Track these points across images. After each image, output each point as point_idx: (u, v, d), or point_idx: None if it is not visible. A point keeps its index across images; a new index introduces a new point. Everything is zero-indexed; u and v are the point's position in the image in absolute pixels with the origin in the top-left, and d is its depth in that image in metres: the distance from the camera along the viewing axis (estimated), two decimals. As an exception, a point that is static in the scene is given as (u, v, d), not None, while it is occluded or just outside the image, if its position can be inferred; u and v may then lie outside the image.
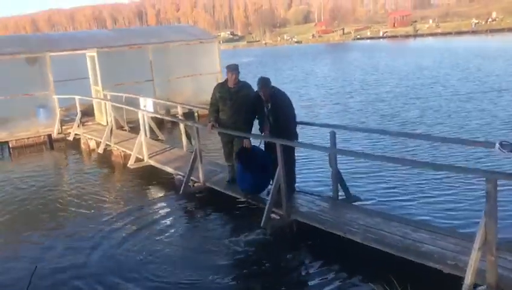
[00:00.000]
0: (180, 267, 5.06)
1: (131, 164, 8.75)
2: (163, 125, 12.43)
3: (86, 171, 9.67)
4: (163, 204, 7.26)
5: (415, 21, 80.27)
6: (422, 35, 67.88)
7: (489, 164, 7.28)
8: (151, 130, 10.62)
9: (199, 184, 7.14)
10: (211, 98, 6.41)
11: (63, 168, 10.66)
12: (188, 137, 8.62)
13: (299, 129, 6.14)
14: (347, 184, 5.98)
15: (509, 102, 13.27)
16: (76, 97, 11.83)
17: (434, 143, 8.66)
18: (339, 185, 5.88)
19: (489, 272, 3.61)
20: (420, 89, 17.29)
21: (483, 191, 3.64)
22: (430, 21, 76.94)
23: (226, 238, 5.69)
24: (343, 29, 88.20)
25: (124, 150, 9.67)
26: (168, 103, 12.06)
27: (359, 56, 39.82)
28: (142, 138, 8.77)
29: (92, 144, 11.12)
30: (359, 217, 5.20)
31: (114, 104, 10.93)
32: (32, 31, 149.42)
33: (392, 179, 7.28)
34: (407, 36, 68.94)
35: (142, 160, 8.75)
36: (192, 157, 7.11)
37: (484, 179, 3.59)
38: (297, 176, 6.31)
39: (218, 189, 6.80)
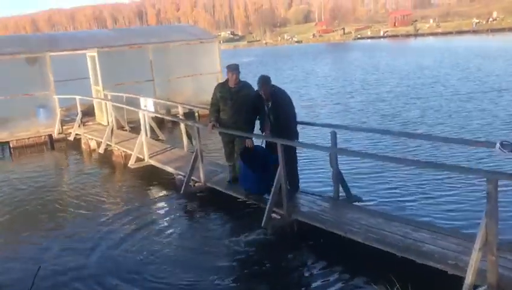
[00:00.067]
0: (180, 267, 5.06)
1: (132, 163, 8.75)
2: (163, 125, 12.44)
3: (87, 171, 9.68)
4: (164, 204, 7.27)
5: (416, 20, 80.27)
6: (422, 34, 67.88)
7: (491, 165, 7.27)
8: (152, 130, 10.62)
9: (200, 184, 7.15)
10: (212, 98, 6.41)
11: (64, 168, 10.67)
12: (189, 137, 8.62)
13: (299, 129, 6.14)
14: (348, 184, 5.98)
15: (510, 102, 13.27)
16: (77, 97, 11.84)
17: (435, 143, 8.66)
18: (339, 185, 5.88)
19: (490, 272, 3.61)
20: (421, 88, 17.29)
21: (484, 192, 3.64)
22: (431, 20, 76.92)
23: (227, 238, 5.69)
24: (343, 28, 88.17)
25: (124, 150, 9.67)
26: (169, 102, 12.06)
27: (360, 56, 39.81)
28: (143, 137, 8.77)
29: (93, 144, 11.12)
30: (360, 217, 5.20)
31: (115, 104, 10.93)
32: (32, 31, 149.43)
33: (393, 179, 7.28)
34: (407, 36, 68.94)
35: (143, 160, 8.75)
36: (193, 157, 7.11)
37: (485, 179, 3.59)
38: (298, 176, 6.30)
39: (219, 189, 6.80)
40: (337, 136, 5.79)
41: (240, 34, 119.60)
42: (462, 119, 11.46)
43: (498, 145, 3.99)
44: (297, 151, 6.19)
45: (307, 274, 4.85)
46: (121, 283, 4.85)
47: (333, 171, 5.83)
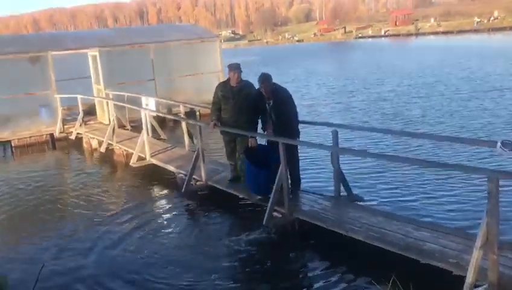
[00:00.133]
0: (181, 266, 5.07)
1: (133, 162, 8.77)
2: (165, 124, 12.44)
3: (88, 170, 9.70)
4: (165, 203, 7.29)
5: (417, 20, 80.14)
6: (423, 34, 67.80)
7: (493, 164, 7.26)
8: (153, 129, 10.62)
9: (201, 183, 7.16)
10: (213, 97, 6.42)
11: (65, 167, 10.68)
12: (190, 136, 8.63)
13: (301, 128, 6.14)
14: (349, 183, 5.99)
15: (511, 101, 13.25)
16: (79, 96, 11.86)
17: (436, 142, 8.66)
18: (341, 184, 5.89)
19: (491, 271, 3.62)
20: (422, 88, 17.28)
21: (485, 191, 3.64)
22: (432, 20, 76.79)
23: (228, 236, 5.70)
24: (344, 27, 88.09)
25: (126, 149, 9.69)
26: (170, 102, 12.08)
27: (361, 55, 39.79)
28: (145, 136, 8.79)
29: (94, 143, 11.14)
30: (361, 216, 5.22)
31: (116, 103, 10.95)
32: (33, 30, 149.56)
33: (394, 178, 7.28)
34: (408, 35, 68.86)
35: (145, 159, 8.77)
36: (194, 156, 7.13)
37: (486, 178, 3.61)
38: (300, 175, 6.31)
39: (220, 187, 6.81)
40: (339, 135, 5.80)
41: (240, 33, 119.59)
42: (463, 118, 11.46)
43: (499, 144, 4.00)
44: (298, 150, 6.20)
45: (308, 273, 4.86)
46: (121, 282, 4.85)
47: (334, 170, 5.84)
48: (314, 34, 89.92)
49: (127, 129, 11.45)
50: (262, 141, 6.40)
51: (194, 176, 7.18)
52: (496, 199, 3.53)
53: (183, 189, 7.16)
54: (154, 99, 11.22)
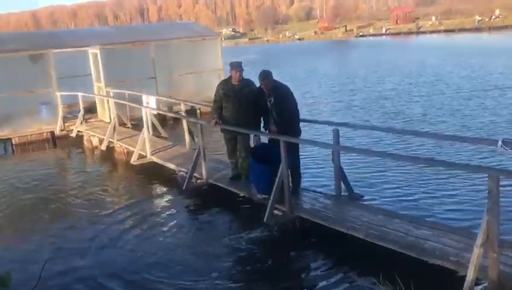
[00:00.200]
0: (182, 264, 5.08)
1: (134, 160, 8.78)
2: (165, 123, 12.45)
3: (89, 168, 9.71)
4: (166, 200, 7.30)
5: (418, 18, 79.99)
6: (424, 32, 67.67)
7: (494, 163, 7.26)
8: (154, 127, 10.62)
9: (202, 181, 7.17)
10: (215, 95, 6.42)
11: (66, 165, 10.70)
12: (191, 134, 8.64)
13: (302, 127, 6.14)
14: (350, 182, 5.99)
15: (512, 100, 13.25)
16: (79, 94, 11.86)
17: (437, 141, 8.66)
18: (341, 182, 5.89)
19: (491, 269, 3.63)
20: (423, 86, 17.26)
21: (486, 191, 3.64)
22: (433, 18, 76.65)
23: (229, 235, 5.71)
24: (345, 26, 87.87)
25: (126, 146, 9.70)
26: (171, 100, 12.07)
27: (362, 53, 39.74)
28: (145, 134, 8.80)
29: (95, 141, 11.15)
30: (362, 214, 5.22)
31: (117, 100, 10.95)
32: (34, 28, 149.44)
33: (395, 177, 7.29)
34: (409, 33, 68.74)
35: (145, 157, 8.78)
36: (195, 153, 7.14)
37: (487, 176, 3.61)
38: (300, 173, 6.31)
39: (221, 186, 6.82)
40: (340, 134, 5.80)
41: (241, 31, 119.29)
42: (464, 117, 11.45)
43: (500, 143, 4.01)
44: (299, 148, 6.20)
45: (308, 271, 4.87)
46: (120, 281, 4.84)
47: (335, 169, 5.85)
48: (315, 33, 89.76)
49: (128, 127, 11.45)
50: (263, 140, 6.40)
51: (194, 174, 7.19)
52: (497, 197, 3.54)
53: (184, 187, 7.17)
54: (155, 98, 11.21)
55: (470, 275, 3.63)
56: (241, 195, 6.49)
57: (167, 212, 6.74)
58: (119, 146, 9.99)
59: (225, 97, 6.26)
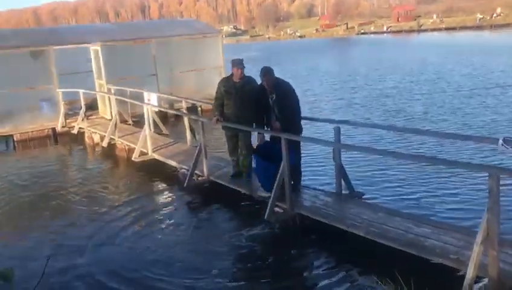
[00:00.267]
0: (182, 262, 5.09)
1: (135, 157, 8.79)
2: (166, 120, 12.46)
3: (90, 165, 9.74)
4: (167, 197, 7.32)
5: (419, 16, 79.84)
6: (426, 30, 67.50)
7: (496, 163, 7.26)
8: (155, 124, 10.64)
9: (203, 178, 7.19)
10: (216, 92, 6.43)
11: (67, 162, 10.72)
12: (192, 131, 8.65)
13: (303, 124, 6.14)
14: (350, 180, 6.00)
15: (514, 98, 13.24)
16: (81, 91, 11.87)
17: (438, 139, 8.66)
18: (342, 180, 5.90)
19: (491, 266, 3.64)
20: (424, 84, 17.24)
21: (487, 190, 3.65)
22: (434, 16, 76.51)
23: (229, 232, 5.73)
24: (346, 23, 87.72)
25: (128, 143, 9.71)
26: (172, 97, 12.08)
27: (363, 51, 39.67)
28: (147, 131, 8.81)
29: (96, 138, 11.16)
30: (362, 212, 5.24)
31: (118, 97, 10.96)
32: (35, 24, 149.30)
33: (396, 175, 7.29)
34: (411, 31, 68.60)
35: (146, 154, 8.79)
36: (196, 151, 7.15)
37: (487, 174, 3.62)
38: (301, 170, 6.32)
39: (222, 183, 6.84)
40: (341, 131, 5.80)
41: (242, 28, 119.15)
42: (465, 115, 11.44)
43: (501, 141, 4.01)
44: (300, 146, 6.21)
45: (309, 269, 4.88)
46: (120, 278, 4.84)
47: (336, 167, 5.85)
48: (316, 30, 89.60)
49: (129, 124, 11.47)
50: (266, 138, 6.40)
51: (196, 171, 7.21)
52: (497, 196, 3.55)
53: (185, 184, 7.18)
54: (156, 95, 11.21)
55: (470, 272, 3.65)
56: (242, 192, 6.50)
57: (168, 210, 6.76)
58: (121, 143, 10.01)
59: (226, 94, 6.26)
